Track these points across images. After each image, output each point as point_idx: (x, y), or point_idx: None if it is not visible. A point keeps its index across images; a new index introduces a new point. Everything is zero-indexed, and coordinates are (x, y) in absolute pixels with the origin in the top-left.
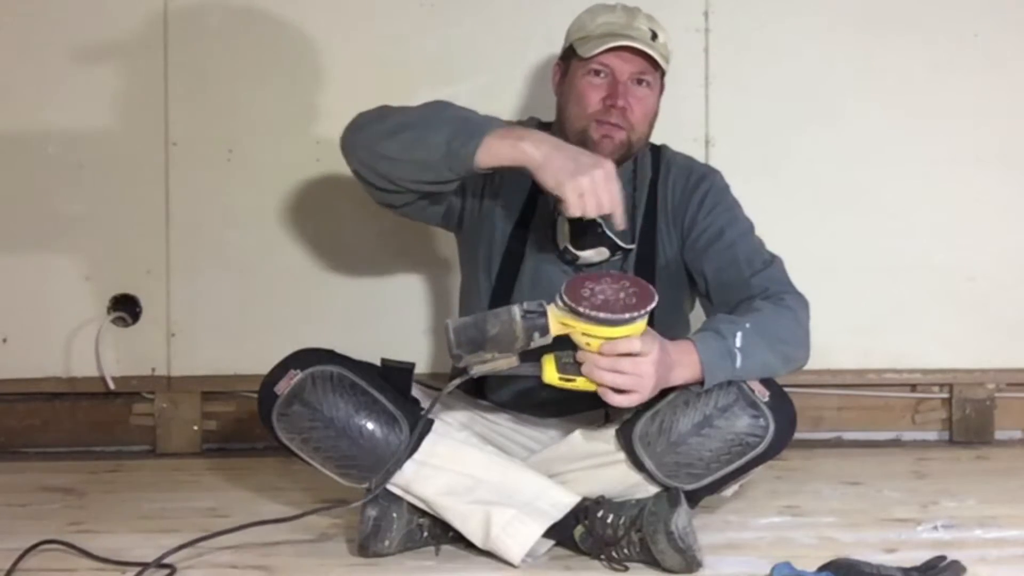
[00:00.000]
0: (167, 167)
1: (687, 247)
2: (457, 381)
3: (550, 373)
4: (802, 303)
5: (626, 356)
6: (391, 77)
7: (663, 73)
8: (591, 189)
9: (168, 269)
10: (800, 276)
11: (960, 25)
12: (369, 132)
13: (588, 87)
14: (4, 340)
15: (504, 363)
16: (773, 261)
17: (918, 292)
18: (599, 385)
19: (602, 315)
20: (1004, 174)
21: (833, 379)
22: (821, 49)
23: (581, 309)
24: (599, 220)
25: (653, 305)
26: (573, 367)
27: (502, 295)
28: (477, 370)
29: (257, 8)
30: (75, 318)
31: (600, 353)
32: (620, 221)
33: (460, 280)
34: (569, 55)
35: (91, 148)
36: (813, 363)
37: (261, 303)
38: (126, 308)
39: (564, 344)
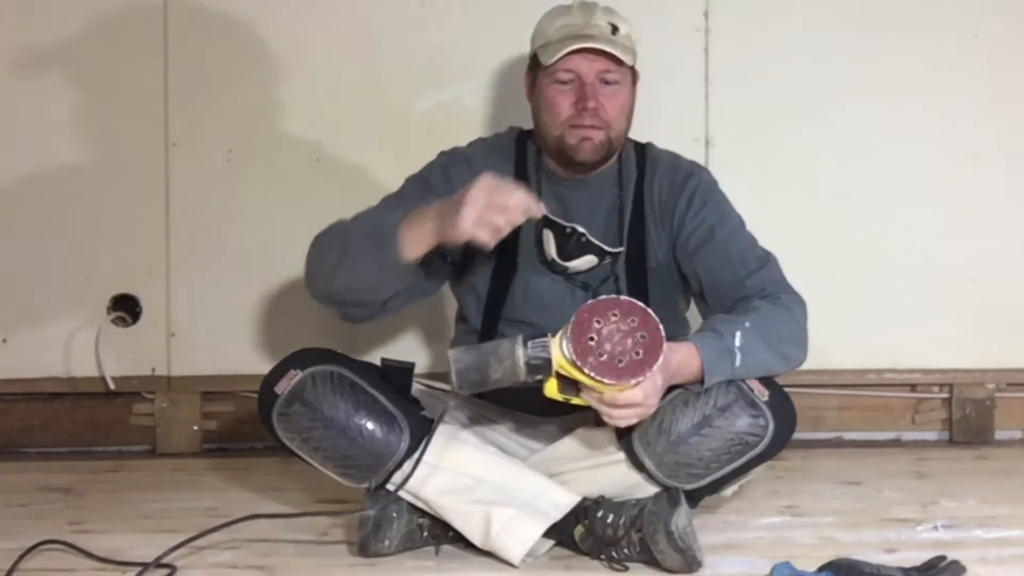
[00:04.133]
0: (167, 167)
1: (678, 248)
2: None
3: (551, 389)
4: (799, 302)
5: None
6: (391, 77)
7: (633, 64)
8: (482, 208)
9: (168, 269)
10: (800, 276)
11: (960, 25)
12: (319, 283)
13: (556, 94)
14: (4, 340)
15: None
16: (768, 260)
17: (918, 292)
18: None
19: (606, 380)
20: (1004, 174)
21: (833, 379)
22: (821, 49)
23: (586, 370)
24: (581, 229)
25: (660, 362)
26: (573, 388)
27: (493, 313)
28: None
29: (257, 8)
30: (75, 318)
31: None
32: (536, 209)
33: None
34: (535, 65)
35: (91, 148)
36: (813, 363)
37: (261, 303)
38: (126, 308)
39: None
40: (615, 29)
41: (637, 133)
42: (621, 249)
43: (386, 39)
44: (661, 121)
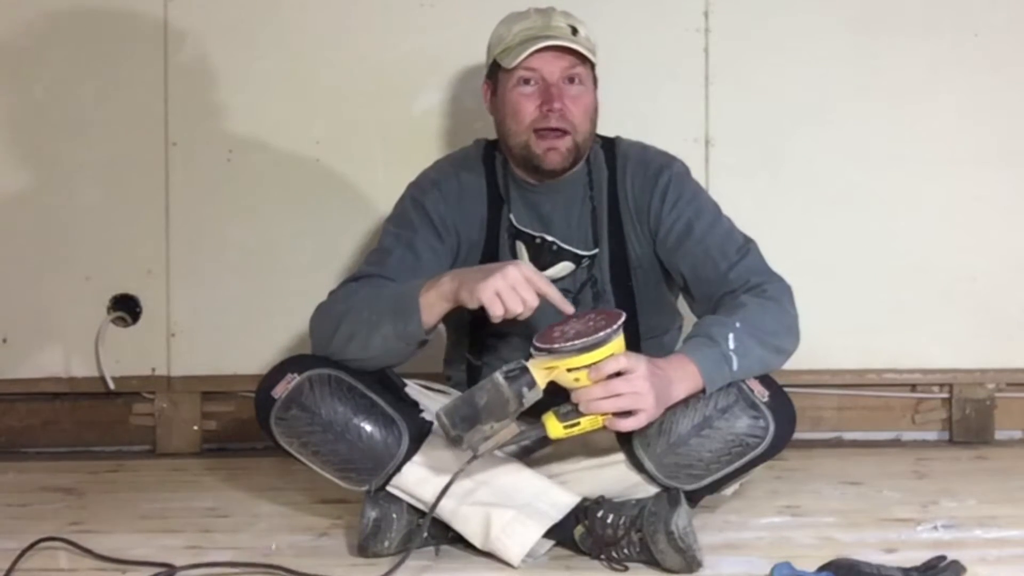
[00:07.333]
0: (167, 167)
1: (658, 244)
2: (465, 464)
3: (554, 427)
4: (784, 290)
5: (617, 377)
6: (391, 77)
7: (593, 66)
8: (506, 287)
9: (168, 269)
10: (800, 276)
11: (960, 25)
12: (327, 348)
13: (521, 97)
14: (4, 340)
15: (506, 432)
16: (748, 248)
17: (918, 292)
18: (603, 416)
19: (579, 342)
20: (1004, 174)
21: (833, 379)
22: (821, 49)
23: (556, 346)
24: (551, 238)
25: (623, 319)
26: (573, 413)
27: (481, 328)
28: (484, 447)
29: (257, 8)
30: (75, 318)
31: (591, 384)
32: (559, 301)
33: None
34: (495, 70)
35: (91, 148)
36: (813, 363)
37: (261, 303)
38: (126, 308)
39: (558, 398)
40: (575, 31)
41: (637, 133)
42: (596, 251)
43: (386, 39)
44: (661, 121)
